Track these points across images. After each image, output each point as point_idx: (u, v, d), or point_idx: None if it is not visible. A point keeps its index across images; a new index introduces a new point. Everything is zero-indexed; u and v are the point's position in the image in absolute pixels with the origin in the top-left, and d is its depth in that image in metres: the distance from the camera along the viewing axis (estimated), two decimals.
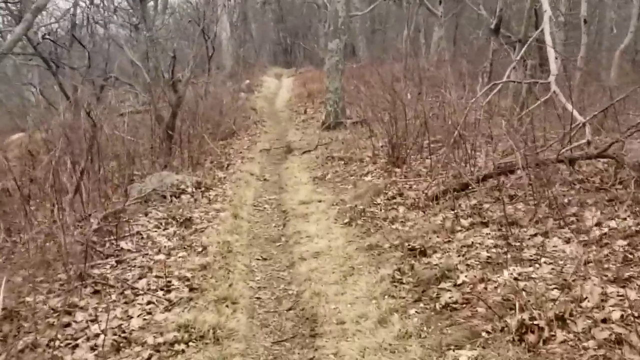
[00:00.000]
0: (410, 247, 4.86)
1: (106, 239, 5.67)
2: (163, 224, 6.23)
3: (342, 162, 9.09)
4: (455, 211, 5.57)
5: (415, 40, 22.21)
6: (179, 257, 5.13)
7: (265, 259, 5.41)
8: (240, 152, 11.18)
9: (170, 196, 7.34)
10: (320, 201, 7.03)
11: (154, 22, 19.59)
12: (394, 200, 6.50)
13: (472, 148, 6.99)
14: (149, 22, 19.65)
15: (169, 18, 21.29)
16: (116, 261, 5.11)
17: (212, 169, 9.24)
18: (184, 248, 5.34)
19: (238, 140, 12.70)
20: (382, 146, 9.54)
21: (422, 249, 4.77)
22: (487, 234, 4.89)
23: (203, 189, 7.70)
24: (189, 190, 7.53)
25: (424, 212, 5.89)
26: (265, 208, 7.35)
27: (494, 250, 4.55)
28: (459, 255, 4.53)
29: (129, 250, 5.40)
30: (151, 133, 9.39)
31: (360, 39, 24.80)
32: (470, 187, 6.02)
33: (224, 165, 9.64)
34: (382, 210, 6.21)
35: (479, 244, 4.71)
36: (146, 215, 6.54)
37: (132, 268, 4.97)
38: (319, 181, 8.34)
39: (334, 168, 8.94)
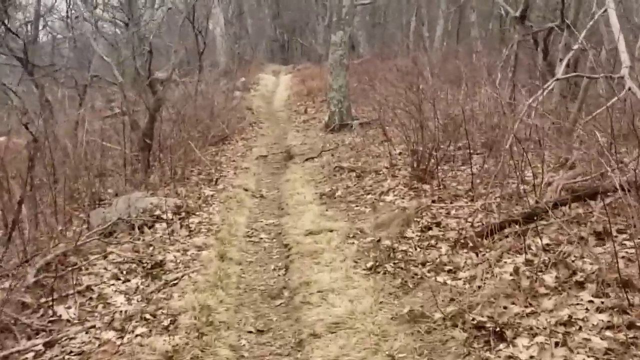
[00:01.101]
0: (475, 322, 3.18)
1: (42, 299, 3.98)
2: (124, 273, 4.53)
3: (354, 175, 7.38)
4: (526, 256, 3.89)
5: (418, 33, 20.47)
6: (137, 335, 3.43)
7: (260, 332, 3.70)
8: (234, 161, 9.46)
9: (141, 226, 5.64)
10: (331, 230, 5.33)
11: (141, 17, 17.80)
12: (431, 233, 4.80)
13: (525, 160, 5.30)
14: (135, 17, 17.90)
15: (158, 12, 19.53)
16: (45, 343, 3.42)
17: (198, 185, 7.53)
18: (146, 319, 3.64)
19: (231, 145, 10.97)
20: (399, 153, 7.85)
21: (496, 327, 3.08)
22: (589, 301, 3.20)
23: (184, 214, 6.00)
24: (166, 216, 5.83)
25: (477, 255, 4.20)
26: (261, 240, 5.63)
27: (609, 334, 2.88)
28: (557, 344, 2.85)
29: (68, 321, 3.71)
30: (124, 143, 7.66)
31: (360, 34, 23.03)
32: (537, 218, 4.34)
33: (213, 179, 7.92)
34: (418, 249, 4.51)
35: (582, 320, 3.03)
36: (105, 257, 4.83)
37: (67, 356, 3.28)
38: (327, 200, 6.64)
39: (344, 182, 7.23)
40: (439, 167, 6.25)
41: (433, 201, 5.49)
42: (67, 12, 15.93)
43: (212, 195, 7.00)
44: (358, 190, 6.68)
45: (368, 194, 6.37)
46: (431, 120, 6.74)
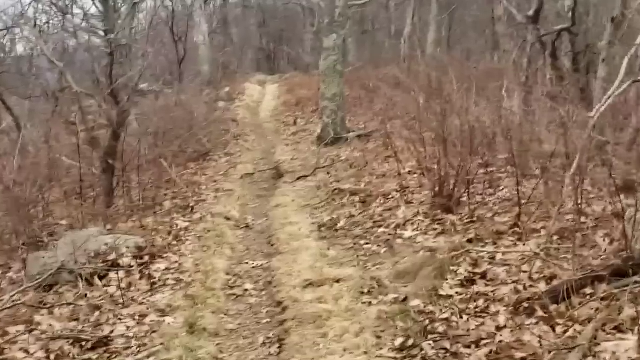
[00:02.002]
0: None
1: None
2: (53, 357, 3.13)
3: (358, 200, 6.04)
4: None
5: (412, 40, 19.32)
6: None
7: None
8: (215, 181, 8.08)
9: (91, 277, 4.25)
10: (338, 281, 3.97)
11: (115, 23, 16.38)
12: (476, 289, 3.47)
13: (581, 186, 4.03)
14: (109, 24, 16.50)
15: (134, 20, 18.14)
16: None
17: (171, 213, 6.13)
18: None
19: (213, 162, 9.59)
20: (409, 172, 6.54)
21: None
22: None
23: (147, 258, 4.60)
24: (124, 262, 4.44)
25: (553, 329, 2.88)
26: (246, 293, 4.24)
27: None
28: None
29: None
30: (80, 165, 6.25)
31: (350, 41, 21.79)
32: (630, 273, 3.04)
33: (189, 205, 6.54)
34: (463, 317, 3.18)
35: None
36: (30, 331, 3.42)
37: None
38: (327, 233, 5.29)
39: (346, 209, 5.88)
40: (467, 192, 4.93)
41: (469, 240, 4.16)
42: (34, 20, 14.34)
43: (186, 228, 5.61)
44: (365, 220, 5.34)
45: (379, 226, 5.03)
46: (450, 133, 5.44)
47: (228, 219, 6.12)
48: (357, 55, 22.13)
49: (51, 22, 21.30)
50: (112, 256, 4.48)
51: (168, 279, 4.24)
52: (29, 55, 19.84)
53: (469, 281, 3.58)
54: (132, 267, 4.40)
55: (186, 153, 9.61)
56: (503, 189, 5.46)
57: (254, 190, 7.88)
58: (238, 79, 21.30)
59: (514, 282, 3.51)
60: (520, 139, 5.61)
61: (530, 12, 9.15)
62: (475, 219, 4.57)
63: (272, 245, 5.24)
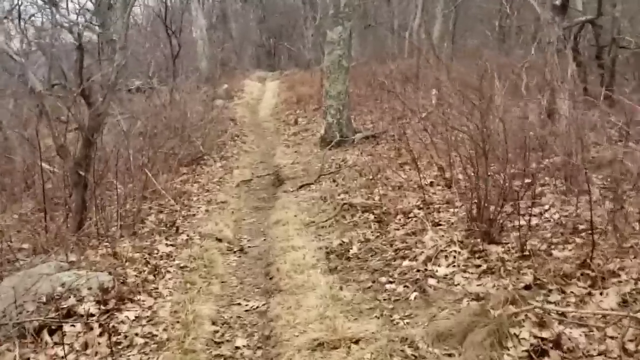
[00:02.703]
0: None
1: None
2: None
3: (373, 218, 5.00)
4: None
5: (421, 34, 18.24)
6: None
7: None
8: (207, 191, 7.04)
9: (37, 333, 3.22)
10: (357, 342, 2.96)
11: (107, 18, 15.29)
12: None
13: None
14: (99, 19, 15.42)
15: (129, 14, 17.07)
16: None
17: (153, 235, 5.09)
18: None
19: (207, 167, 8.55)
20: (431, 183, 5.50)
21: None
22: None
23: (113, 302, 3.56)
24: (84, 309, 3.41)
25: None
26: (236, 353, 3.20)
27: None
28: None
29: None
30: (51, 172, 5.22)
31: (353, 36, 20.67)
32: None
33: (175, 223, 5.51)
34: None
35: None
36: None
37: None
38: (337, 262, 4.26)
39: (359, 229, 4.85)
40: (517, 217, 3.89)
41: (526, 287, 3.13)
42: (18, 17, 13.15)
43: (168, 255, 4.58)
44: (384, 247, 4.30)
45: (403, 257, 3.99)
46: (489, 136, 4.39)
47: (219, 240, 5.09)
48: (359, 50, 21.02)
49: (39, 16, 20.21)
50: (70, 301, 3.45)
51: (137, 334, 3.20)
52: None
53: (539, 352, 2.56)
54: (92, 316, 3.37)
55: (178, 157, 8.56)
56: (549, 207, 4.44)
57: (251, 201, 6.84)
58: (237, 75, 20.23)
59: (600, 353, 2.51)
60: (569, 147, 4.59)
61: (557, 1, 8.09)
62: (527, 252, 3.54)
63: (271, 279, 4.21)
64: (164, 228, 5.35)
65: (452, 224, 4.44)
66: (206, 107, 12.74)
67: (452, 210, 4.79)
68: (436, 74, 11.42)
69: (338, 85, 9.11)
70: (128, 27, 14.43)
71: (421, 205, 4.97)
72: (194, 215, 5.93)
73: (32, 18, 14.64)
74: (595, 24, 10.11)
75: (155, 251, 4.65)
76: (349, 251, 4.41)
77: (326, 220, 5.30)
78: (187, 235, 5.08)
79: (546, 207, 4.46)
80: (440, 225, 4.47)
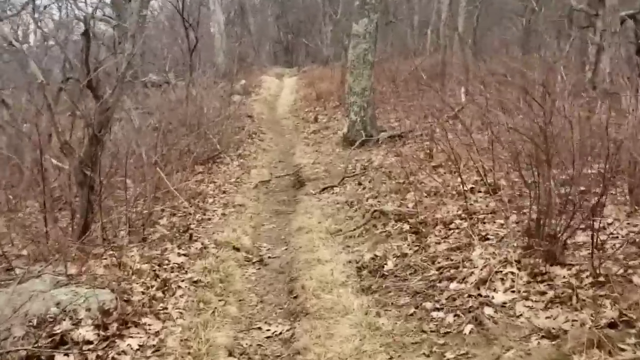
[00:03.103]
0: None
1: None
2: None
3: (408, 228, 4.42)
4: None
5: (448, 28, 17.58)
6: None
7: None
8: (224, 192, 6.51)
9: None
10: None
11: (122, 11, 14.87)
12: None
13: None
14: (115, 11, 15.02)
15: (146, 6, 16.61)
16: None
17: (164, 243, 4.57)
18: None
19: (224, 165, 8.03)
20: (471, 189, 4.90)
21: None
22: None
23: (116, 326, 3.04)
24: (81, 334, 2.90)
25: None
26: None
27: None
28: None
29: None
30: (43, 177, 4.74)
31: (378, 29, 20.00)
32: None
33: (189, 228, 4.99)
34: None
35: None
36: None
37: None
38: (371, 280, 3.69)
39: (393, 242, 4.27)
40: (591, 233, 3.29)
41: (611, 324, 2.54)
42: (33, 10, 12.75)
43: (180, 267, 4.06)
44: (425, 264, 3.72)
45: (450, 278, 3.40)
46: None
47: (237, 249, 4.56)
48: (380, 46, 20.34)
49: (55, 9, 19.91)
50: (64, 325, 2.94)
51: None
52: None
53: None
54: (90, 343, 2.86)
55: (193, 154, 8.06)
56: (612, 221, 3.82)
57: (271, 204, 6.31)
58: (255, 71, 19.72)
59: None
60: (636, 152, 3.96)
61: None
62: (601, 276, 2.94)
63: (295, 298, 3.66)
64: (177, 234, 4.83)
65: (502, 238, 3.85)
66: (223, 102, 12.25)
67: (499, 221, 4.19)
68: (465, 69, 10.79)
69: (362, 81, 8.53)
70: (140, 15, 13.99)
71: (463, 215, 4.37)
72: (209, 219, 5.41)
73: (50, 12, 14.26)
74: (637, 20, 9.40)
75: (166, 262, 4.14)
76: (383, 267, 3.84)
77: (355, 229, 4.74)
78: (202, 244, 4.55)
79: (609, 220, 3.85)
80: (488, 239, 3.88)
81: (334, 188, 6.49)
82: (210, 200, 6.08)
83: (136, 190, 5.27)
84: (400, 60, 15.08)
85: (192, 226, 5.15)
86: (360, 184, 6.34)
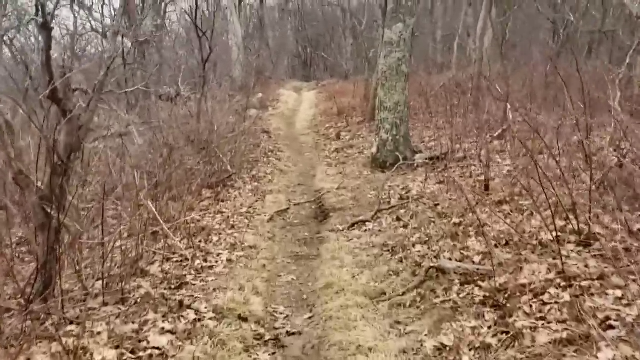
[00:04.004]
0: None
1: None
2: None
3: (482, 297, 3.07)
4: None
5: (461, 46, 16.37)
6: None
7: None
8: (232, 227, 5.21)
9: None
10: None
11: (140, 23, 13.85)
12: None
13: None
14: (128, 21, 14.00)
15: (163, 15, 15.62)
16: None
17: (144, 310, 3.29)
18: None
19: (235, 190, 6.77)
20: (557, 238, 3.53)
21: None
22: None
23: None
24: None
25: None
26: None
27: None
28: None
29: None
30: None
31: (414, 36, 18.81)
32: None
33: (182, 286, 3.70)
34: None
35: None
36: None
37: None
38: None
39: (464, 320, 2.92)
40: None
41: None
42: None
43: (160, 356, 2.76)
44: None
45: None
46: None
47: (244, 319, 3.25)
48: None
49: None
50: None
51: None
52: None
53: None
54: None
55: (199, 178, 6.84)
56: None
57: (289, 244, 5.00)
58: (272, 85, 18.59)
59: None
60: None
61: None
62: None
63: None
64: (166, 294, 3.54)
65: (634, 326, 2.49)
66: (238, 117, 11.08)
67: (614, 293, 2.83)
68: (505, 83, 9.44)
69: (395, 95, 7.24)
70: (154, 24, 12.86)
71: (558, 280, 3.02)
72: (211, 267, 4.12)
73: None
74: None
75: (145, 343, 2.85)
76: None
77: (404, 294, 3.40)
78: (196, 312, 3.25)
79: None
80: (613, 327, 2.53)
81: (367, 223, 5.18)
82: (215, 238, 4.79)
83: (120, 228, 4.01)
84: (425, 75, 13.78)
85: (188, 278, 3.87)
86: (399, 219, 5.01)
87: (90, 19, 19.03)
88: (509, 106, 8.58)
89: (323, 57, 26.14)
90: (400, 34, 7.08)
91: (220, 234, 4.94)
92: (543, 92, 9.63)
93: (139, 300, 3.48)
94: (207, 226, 5.09)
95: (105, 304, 3.44)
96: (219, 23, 20.96)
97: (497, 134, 7.78)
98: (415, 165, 7.00)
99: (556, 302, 2.86)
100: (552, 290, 2.96)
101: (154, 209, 4.27)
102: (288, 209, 6.21)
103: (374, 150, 7.49)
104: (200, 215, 5.52)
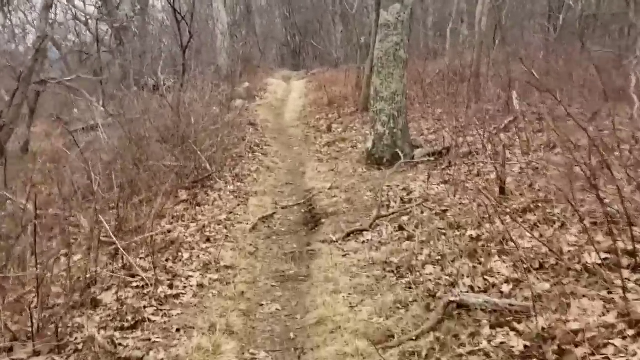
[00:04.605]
0: None
1: None
2: None
3: (522, 349, 2.32)
4: None
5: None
6: None
7: None
8: (207, 240, 4.40)
9: None
10: None
11: (118, 7, 12.83)
12: None
13: None
14: (111, 8, 12.99)
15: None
16: None
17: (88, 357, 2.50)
18: None
19: (215, 191, 5.94)
20: (604, 262, 2.77)
21: None
22: None
23: None
24: None
25: None
26: None
27: None
28: None
29: None
30: None
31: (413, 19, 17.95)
32: None
33: (136, 324, 2.91)
34: None
35: None
36: None
37: None
38: None
39: None
40: None
41: None
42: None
43: None
44: None
45: None
46: None
47: None
48: None
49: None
50: None
51: None
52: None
53: None
54: None
55: (178, 176, 6.01)
56: None
57: (273, 261, 4.20)
58: (260, 73, 17.64)
59: None
60: None
61: None
62: None
63: None
64: (117, 332, 2.74)
65: None
66: (222, 108, 10.21)
67: None
68: (506, 70, 8.67)
69: (393, 83, 6.43)
70: (134, 9, 11.87)
71: (622, 326, 2.27)
72: (177, 296, 3.32)
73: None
74: None
75: None
76: None
77: (417, 338, 2.63)
78: None
79: None
80: None
81: (364, 233, 4.40)
82: (186, 255, 3.98)
83: (58, 250, 3.20)
84: (419, 62, 12.96)
85: (147, 311, 3.07)
86: (402, 228, 4.24)
87: (70, 5, 17.93)
88: (514, 94, 7.84)
89: (312, 45, 25.14)
90: (397, 16, 6.25)
91: (192, 248, 4.13)
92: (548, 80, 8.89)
93: (80, 347, 2.69)
94: (178, 238, 4.27)
95: (36, 354, 2.64)
96: (203, 9, 19.92)
97: (503, 125, 7.03)
98: (415, 161, 6.22)
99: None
100: (618, 342, 2.21)
101: (107, 226, 3.45)
102: (274, 213, 5.41)
103: (369, 145, 6.69)
104: (171, 223, 4.71)
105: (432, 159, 6.27)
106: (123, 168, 5.87)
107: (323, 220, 5.02)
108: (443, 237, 3.75)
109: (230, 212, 5.16)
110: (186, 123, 6.90)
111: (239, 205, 5.45)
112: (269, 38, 25.45)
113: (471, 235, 3.62)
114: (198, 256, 3.97)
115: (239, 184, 6.30)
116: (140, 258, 3.80)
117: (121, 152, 6.47)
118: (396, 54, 6.39)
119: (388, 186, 5.57)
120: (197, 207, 5.36)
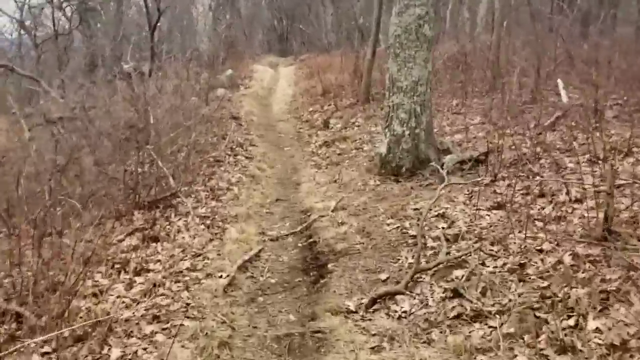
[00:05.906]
0: None
1: None
2: None
3: None
4: None
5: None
6: None
7: None
8: (154, 319, 2.77)
9: None
10: None
11: None
12: None
13: None
14: None
15: None
16: None
17: None
18: None
19: (179, 217, 4.29)
20: None
21: None
22: None
23: None
24: None
25: None
26: None
27: None
28: None
29: None
30: None
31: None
32: None
33: None
34: None
35: None
36: None
37: None
38: None
39: None
40: None
41: None
42: None
43: None
44: None
45: None
46: None
47: None
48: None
49: None
50: None
51: None
52: None
53: None
54: None
55: (134, 192, 4.36)
56: None
57: (258, 358, 2.60)
58: (245, 59, 15.82)
59: None
60: None
61: None
62: None
63: None
64: None
65: None
66: (200, 99, 8.52)
67: None
68: (537, 56, 7.09)
69: (414, 69, 4.80)
70: None
71: None
72: None
73: None
74: None
75: None
76: None
77: None
78: None
79: None
80: None
81: (397, 298, 2.82)
82: (116, 353, 2.36)
83: None
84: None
85: None
86: (457, 294, 2.67)
87: None
88: (560, 83, 6.27)
89: (300, 29, 23.29)
90: None
91: (128, 335, 2.50)
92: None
93: None
94: (109, 315, 2.64)
95: None
96: None
97: (548, 122, 5.46)
98: (444, 171, 4.62)
99: None
100: None
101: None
102: (260, 251, 3.80)
103: (383, 149, 5.07)
104: (110, 274, 3.08)
105: (466, 167, 4.70)
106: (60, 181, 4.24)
107: (330, 266, 3.43)
108: (537, 319, 2.18)
109: (198, 255, 3.54)
110: (146, 120, 5.22)
111: (211, 240, 3.83)
112: (254, 22, 23.53)
113: (589, 325, 2.05)
114: (135, 353, 2.35)
115: (213, 203, 4.66)
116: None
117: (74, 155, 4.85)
118: (419, 30, 4.76)
119: (415, 209, 4.00)
120: (153, 244, 3.73)
